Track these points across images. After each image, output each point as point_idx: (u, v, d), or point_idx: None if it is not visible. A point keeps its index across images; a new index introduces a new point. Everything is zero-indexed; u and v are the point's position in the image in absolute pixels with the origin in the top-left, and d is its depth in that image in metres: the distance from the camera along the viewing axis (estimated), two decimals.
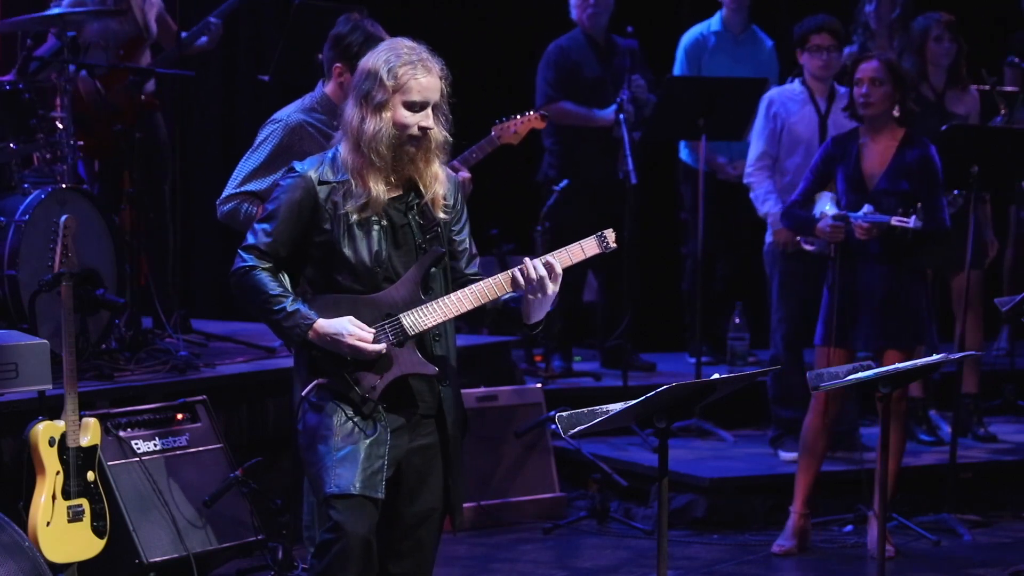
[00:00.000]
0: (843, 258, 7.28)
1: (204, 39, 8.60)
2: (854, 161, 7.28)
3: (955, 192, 8.36)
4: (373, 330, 4.92)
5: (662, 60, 9.93)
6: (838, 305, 7.24)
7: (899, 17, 9.27)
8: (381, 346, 4.91)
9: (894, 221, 7.07)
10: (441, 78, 4.98)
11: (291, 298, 4.95)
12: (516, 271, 4.96)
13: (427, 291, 4.99)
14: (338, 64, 6.13)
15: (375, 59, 4.97)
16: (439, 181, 5.02)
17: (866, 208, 7.15)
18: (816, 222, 7.28)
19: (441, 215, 5.03)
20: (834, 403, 7.33)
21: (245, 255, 4.99)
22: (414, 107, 4.93)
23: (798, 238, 8.01)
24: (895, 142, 7.28)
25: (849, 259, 7.27)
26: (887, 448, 5.53)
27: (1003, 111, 8.77)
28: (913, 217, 7.05)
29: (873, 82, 7.20)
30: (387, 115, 4.92)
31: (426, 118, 4.94)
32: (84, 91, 8.04)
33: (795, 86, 8.47)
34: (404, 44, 5.00)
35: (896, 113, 7.26)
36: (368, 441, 4.92)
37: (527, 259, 4.97)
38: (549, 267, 4.94)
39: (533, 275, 4.94)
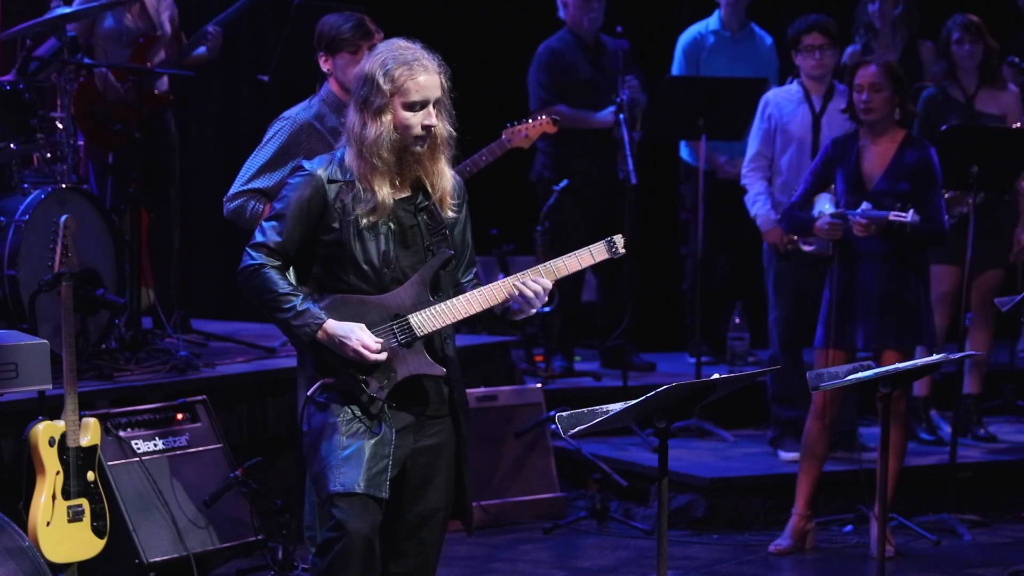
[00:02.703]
0: (842, 257, 7.28)
1: (203, 49, 8.57)
2: (854, 162, 7.29)
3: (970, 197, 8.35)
4: (381, 340, 4.92)
5: (661, 60, 9.93)
6: (837, 305, 7.24)
7: (902, 14, 9.26)
8: (382, 356, 4.91)
9: (891, 216, 7.07)
10: (439, 74, 4.95)
11: (301, 297, 4.94)
12: (516, 283, 4.96)
13: (435, 293, 5.00)
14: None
15: (372, 63, 4.95)
16: (445, 178, 5.01)
17: (864, 205, 7.15)
18: (814, 222, 7.28)
19: (450, 214, 5.03)
20: (833, 404, 7.32)
21: (254, 253, 4.97)
22: (414, 107, 4.91)
23: (796, 238, 8.01)
24: (895, 144, 7.28)
25: (847, 258, 7.27)
26: (887, 448, 5.53)
27: None
28: (911, 211, 7.05)
29: (873, 87, 7.20)
30: (387, 119, 4.90)
31: (428, 116, 4.92)
32: (100, 84, 8.08)
33: (792, 86, 8.47)
34: (399, 44, 4.97)
35: (897, 115, 7.27)
36: (373, 440, 4.92)
37: (531, 279, 4.96)
38: (544, 287, 4.95)
39: (529, 292, 4.94)
